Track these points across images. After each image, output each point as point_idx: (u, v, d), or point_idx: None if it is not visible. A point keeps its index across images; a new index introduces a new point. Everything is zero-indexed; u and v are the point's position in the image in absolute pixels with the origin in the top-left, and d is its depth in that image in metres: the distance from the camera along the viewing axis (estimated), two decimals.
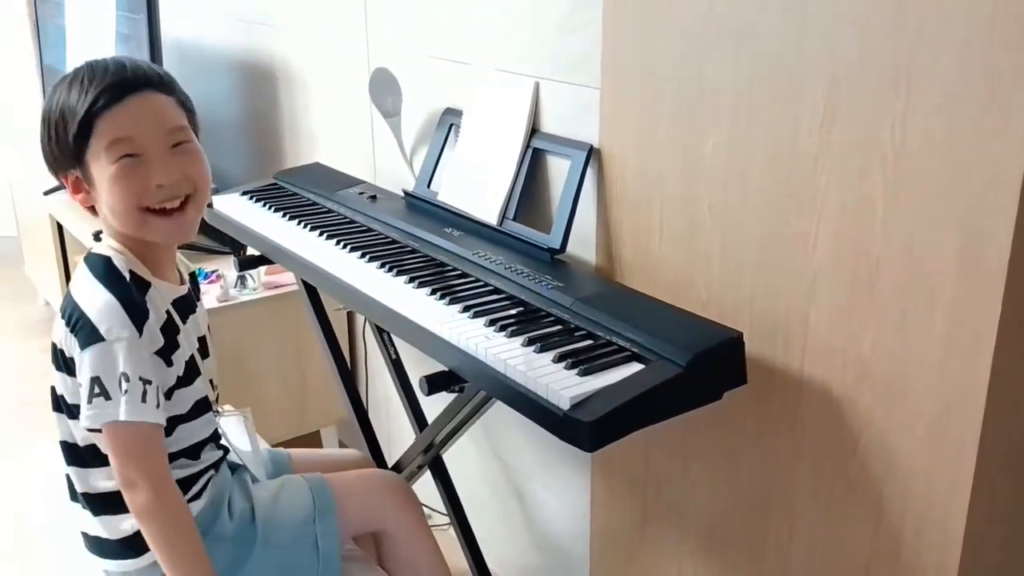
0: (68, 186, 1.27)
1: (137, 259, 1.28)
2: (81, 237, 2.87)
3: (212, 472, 1.39)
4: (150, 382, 1.21)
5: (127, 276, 1.25)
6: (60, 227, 3.16)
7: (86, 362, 1.20)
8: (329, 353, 1.96)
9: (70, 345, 1.23)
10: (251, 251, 2.04)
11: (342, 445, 2.66)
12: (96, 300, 1.21)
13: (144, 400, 1.20)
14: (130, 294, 1.23)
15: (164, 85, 1.26)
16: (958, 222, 1.09)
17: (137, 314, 1.22)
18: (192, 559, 1.24)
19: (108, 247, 1.28)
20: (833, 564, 1.35)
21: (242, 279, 2.39)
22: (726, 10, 1.30)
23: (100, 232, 1.32)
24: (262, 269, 2.37)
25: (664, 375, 1.23)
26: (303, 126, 2.52)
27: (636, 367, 1.26)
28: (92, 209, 1.30)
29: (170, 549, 1.23)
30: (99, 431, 1.23)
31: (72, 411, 1.28)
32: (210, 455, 1.40)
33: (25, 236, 3.67)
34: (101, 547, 1.34)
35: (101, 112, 1.20)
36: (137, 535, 1.28)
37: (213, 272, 2.44)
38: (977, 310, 1.10)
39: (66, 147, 1.23)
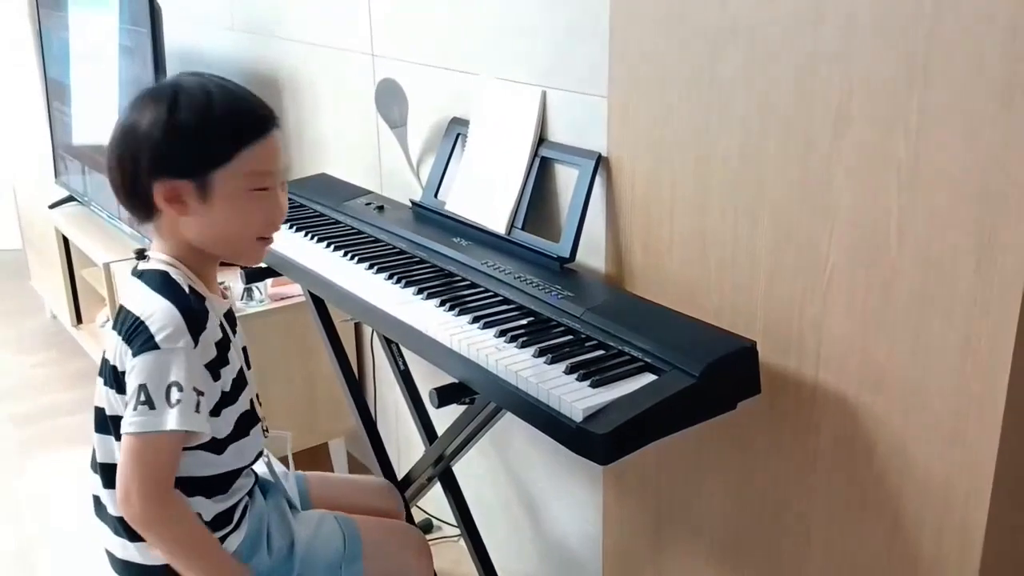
0: (161, 192, 1.22)
1: (193, 275, 1.28)
2: (88, 251, 2.87)
3: (247, 499, 1.38)
4: (202, 393, 1.21)
5: (186, 289, 1.25)
6: (66, 241, 3.16)
7: (136, 368, 1.19)
8: (337, 365, 1.95)
9: (123, 355, 1.21)
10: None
11: (351, 457, 2.65)
12: (156, 308, 1.21)
13: (198, 411, 1.20)
14: (190, 304, 1.23)
15: (279, 123, 1.30)
16: (975, 227, 1.08)
17: (196, 325, 1.22)
18: (195, 563, 1.26)
19: (162, 263, 1.27)
20: (850, 574, 1.33)
21: (248, 291, 2.38)
22: (738, 15, 1.29)
23: (144, 250, 1.31)
24: (268, 281, 2.36)
25: (678, 385, 1.21)
26: (309, 137, 2.51)
27: (649, 377, 1.25)
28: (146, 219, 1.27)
29: (192, 557, 1.26)
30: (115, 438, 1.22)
31: (115, 429, 1.25)
32: (245, 482, 1.38)
33: (31, 249, 3.67)
34: (130, 570, 1.32)
35: (249, 142, 1.23)
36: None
37: (220, 284, 2.43)
38: (995, 316, 1.09)
39: (191, 158, 1.21)
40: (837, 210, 1.22)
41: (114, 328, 1.26)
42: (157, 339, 1.19)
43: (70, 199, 3.26)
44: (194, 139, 1.22)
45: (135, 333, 1.20)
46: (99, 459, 1.31)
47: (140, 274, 1.27)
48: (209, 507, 1.31)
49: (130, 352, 1.20)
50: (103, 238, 2.90)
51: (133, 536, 1.29)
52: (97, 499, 1.34)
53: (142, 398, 1.18)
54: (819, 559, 1.37)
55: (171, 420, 1.18)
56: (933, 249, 1.13)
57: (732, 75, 1.32)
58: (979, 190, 1.07)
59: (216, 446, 1.29)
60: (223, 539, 1.32)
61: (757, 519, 1.46)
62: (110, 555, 1.34)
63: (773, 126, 1.28)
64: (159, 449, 1.20)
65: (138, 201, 1.25)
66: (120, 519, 1.29)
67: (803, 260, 1.28)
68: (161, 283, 1.24)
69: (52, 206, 3.26)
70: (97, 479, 1.33)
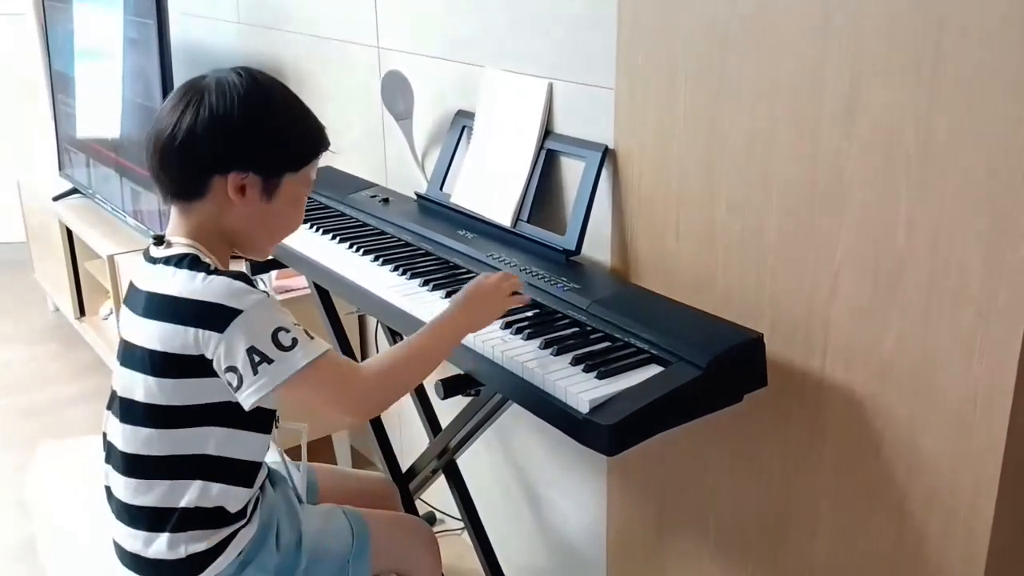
0: (234, 182, 1.23)
1: (215, 259, 1.28)
2: (92, 244, 2.87)
3: (259, 492, 1.37)
4: (298, 324, 1.22)
5: (215, 268, 1.25)
6: (70, 233, 3.16)
7: (233, 341, 1.17)
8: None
9: (195, 342, 1.18)
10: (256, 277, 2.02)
11: (354, 451, 2.65)
12: (210, 286, 1.19)
13: (311, 336, 1.21)
14: (233, 273, 1.23)
15: None
16: (984, 218, 1.08)
17: (250, 283, 1.22)
18: (447, 345, 1.31)
19: (187, 247, 1.26)
20: (856, 567, 1.33)
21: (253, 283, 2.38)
22: (746, 4, 1.28)
23: (162, 236, 1.30)
24: (273, 273, 2.35)
25: (684, 377, 1.21)
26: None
27: (655, 369, 1.25)
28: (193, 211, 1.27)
29: (424, 361, 1.29)
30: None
31: (154, 419, 1.24)
32: (262, 473, 1.37)
33: (34, 242, 3.67)
34: (137, 563, 1.31)
35: (319, 153, 1.32)
36: (192, 558, 1.27)
37: None
38: (1003, 308, 1.08)
39: (275, 158, 1.26)
40: (845, 201, 1.22)
41: (147, 315, 1.23)
42: (233, 306, 1.17)
43: (74, 191, 3.26)
44: (284, 142, 1.27)
45: (206, 315, 1.18)
46: (122, 448, 1.28)
47: (168, 259, 1.25)
48: (243, 497, 1.31)
49: (213, 334, 1.17)
50: (107, 230, 2.90)
51: (144, 527, 1.29)
52: (109, 489, 1.33)
53: (256, 359, 1.17)
54: (824, 552, 1.37)
55: (300, 357, 1.18)
56: (942, 241, 1.12)
57: (740, 66, 1.31)
58: (989, 182, 1.06)
59: (264, 422, 1.29)
60: (234, 534, 1.31)
61: (762, 511, 1.46)
62: (118, 547, 1.34)
63: (781, 118, 1.27)
64: (314, 377, 1.20)
65: (193, 181, 1.25)
66: (129, 508, 1.29)
67: (811, 252, 1.28)
68: (194, 263, 1.23)
69: (56, 198, 3.26)
70: (109, 468, 1.32)
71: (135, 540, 1.30)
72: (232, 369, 1.18)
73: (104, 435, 1.34)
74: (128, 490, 1.29)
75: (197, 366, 1.20)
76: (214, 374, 1.20)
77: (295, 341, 1.18)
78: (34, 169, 3.65)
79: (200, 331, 1.18)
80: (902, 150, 1.14)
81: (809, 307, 1.30)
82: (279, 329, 1.18)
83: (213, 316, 1.18)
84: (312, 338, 1.21)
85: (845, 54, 1.18)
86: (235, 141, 1.23)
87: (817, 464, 1.35)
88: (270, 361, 1.17)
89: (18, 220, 3.76)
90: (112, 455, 1.32)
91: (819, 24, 1.20)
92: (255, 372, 1.17)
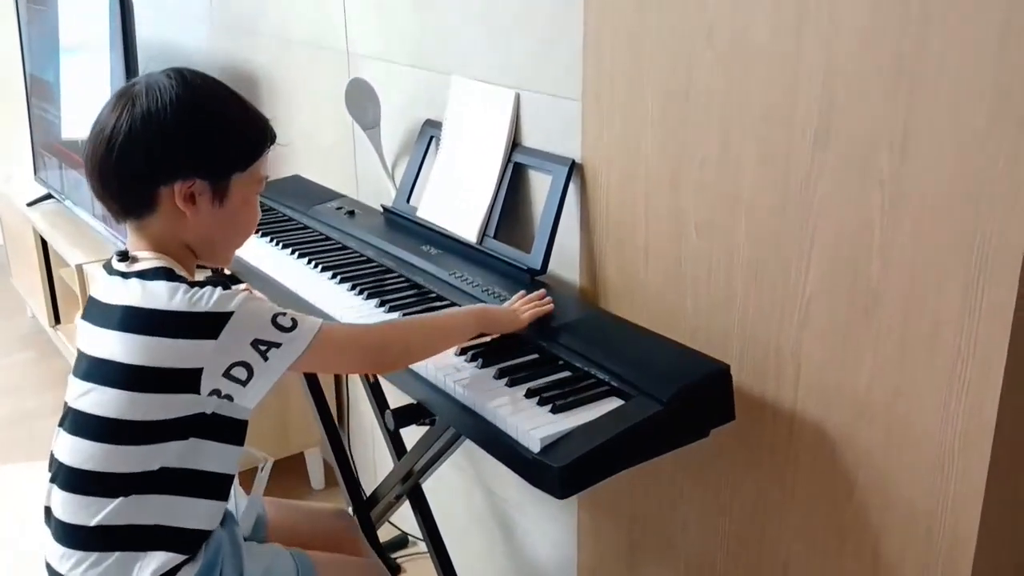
0: (181, 191, 1.19)
1: (184, 271, 1.24)
2: (62, 252, 2.80)
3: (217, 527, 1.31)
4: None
5: (187, 279, 1.22)
6: (44, 241, 3.09)
7: (233, 342, 1.15)
8: (304, 379, 1.87)
9: (186, 353, 1.14)
10: (227, 270, 1.95)
11: (327, 467, 2.57)
12: (193, 297, 1.16)
13: (307, 314, 1.21)
14: (213, 281, 1.20)
15: None
16: (963, 247, 1.00)
17: (228, 285, 1.20)
18: (451, 328, 1.31)
19: (159, 259, 1.22)
20: None
21: None
22: (716, 16, 1.21)
23: (126, 251, 1.24)
24: (239, 287, 2.28)
25: (643, 413, 1.13)
26: (284, 136, 2.42)
27: (615, 403, 1.17)
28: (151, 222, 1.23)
29: (435, 336, 1.29)
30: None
31: (118, 434, 1.18)
32: (233, 490, 1.33)
33: (11, 246, 3.60)
34: None
35: (265, 149, 1.26)
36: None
37: None
38: (984, 342, 1.00)
39: (219, 161, 1.21)
40: (817, 228, 1.14)
41: (123, 329, 1.17)
42: (225, 309, 1.15)
43: (48, 197, 3.19)
44: (225, 143, 1.22)
45: (200, 322, 1.15)
46: (70, 463, 1.21)
47: (140, 274, 1.20)
48: (214, 513, 1.25)
49: (210, 340, 1.14)
50: (78, 238, 2.82)
51: (85, 547, 1.20)
52: (48, 510, 1.25)
53: (263, 347, 1.16)
54: None
55: (306, 331, 1.18)
56: (918, 273, 1.05)
57: (708, 83, 1.23)
58: (967, 209, 0.99)
59: (237, 433, 1.24)
60: (179, 567, 1.23)
61: (733, 549, 1.38)
62: (50, 569, 1.26)
63: (751, 137, 1.20)
64: (324, 344, 1.20)
65: (138, 196, 1.20)
66: (71, 528, 1.21)
67: (781, 280, 1.20)
68: (173, 275, 1.19)
69: (31, 204, 3.19)
70: (53, 487, 1.24)
71: (74, 563, 1.22)
72: (240, 364, 1.16)
73: (51, 453, 1.27)
74: (72, 508, 1.21)
75: (179, 379, 1.15)
76: (194, 390, 1.15)
77: (295, 321, 1.18)
78: (12, 173, 3.58)
79: (190, 341, 1.14)
80: (876, 173, 1.06)
81: (779, 336, 1.22)
82: (276, 315, 1.18)
83: (204, 325, 1.15)
84: (305, 316, 1.21)
85: (818, 73, 1.10)
86: (173, 148, 1.18)
87: (789, 502, 1.27)
88: (278, 345, 1.17)
89: None
90: (59, 473, 1.24)
91: (792, 37, 1.12)
92: (265, 359, 1.17)
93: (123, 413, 1.18)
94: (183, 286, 1.17)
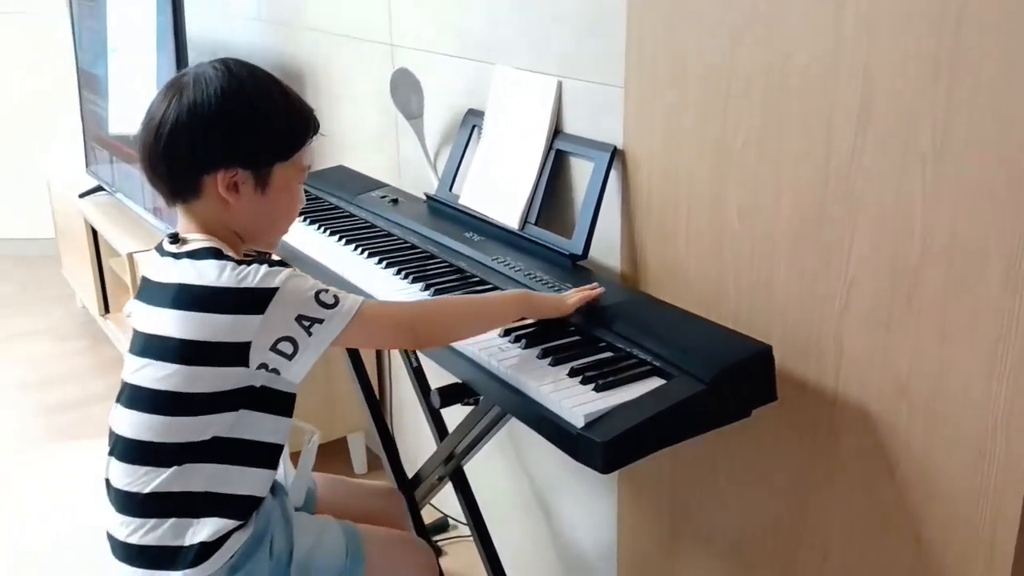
0: (224, 180, 1.23)
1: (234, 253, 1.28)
2: (113, 241, 2.87)
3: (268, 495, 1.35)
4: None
5: (235, 257, 1.25)
6: (95, 231, 3.16)
7: (278, 317, 1.19)
8: (349, 361, 1.91)
9: (234, 328, 1.19)
10: (274, 255, 1.99)
11: (369, 452, 2.61)
12: (240, 273, 1.20)
13: (349, 292, 1.24)
14: (259, 259, 1.24)
15: None
16: (1005, 227, 1.00)
17: (274, 263, 1.24)
18: (492, 309, 1.33)
19: (208, 240, 1.26)
20: None
21: None
22: (757, 3, 1.22)
23: (176, 234, 1.29)
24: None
25: (686, 392, 1.15)
26: (329, 128, 2.47)
27: (657, 382, 1.19)
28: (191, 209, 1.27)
29: (475, 316, 1.32)
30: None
31: (171, 406, 1.23)
32: (284, 460, 1.36)
33: (62, 238, 3.69)
34: (128, 552, 1.28)
35: (307, 139, 1.29)
36: (188, 548, 1.24)
37: None
38: None
39: (261, 151, 1.24)
40: (859, 209, 1.15)
41: (176, 307, 1.22)
42: (270, 285, 1.19)
43: (99, 189, 3.26)
44: (268, 133, 1.25)
45: (246, 300, 1.19)
46: (127, 435, 1.26)
47: (191, 254, 1.24)
48: (262, 481, 1.30)
49: (256, 316, 1.18)
50: (128, 228, 2.89)
51: (143, 515, 1.25)
52: (108, 481, 1.30)
53: (307, 323, 1.20)
54: (836, 571, 1.30)
55: (348, 308, 1.21)
56: (960, 250, 1.05)
57: (750, 66, 1.25)
58: (1010, 186, 0.99)
59: (286, 405, 1.29)
60: (229, 535, 1.27)
61: (773, 530, 1.39)
62: (111, 538, 1.30)
63: (793, 120, 1.21)
64: (366, 321, 1.23)
65: (184, 182, 1.25)
66: (129, 496, 1.25)
67: (823, 262, 1.21)
68: (220, 255, 1.23)
69: (82, 195, 3.26)
70: (112, 459, 1.29)
71: (132, 529, 1.27)
72: (286, 339, 1.20)
73: (110, 428, 1.32)
74: (130, 477, 1.26)
75: (229, 353, 1.20)
76: (243, 363, 1.20)
77: (336, 298, 1.22)
78: (62, 166, 3.66)
79: (238, 316, 1.19)
80: (918, 152, 1.07)
81: (821, 318, 1.23)
82: (319, 291, 1.22)
83: (250, 301, 1.19)
84: (347, 293, 1.24)
85: (859, 52, 1.11)
86: (215, 137, 1.22)
87: (829, 482, 1.28)
88: (321, 321, 1.21)
89: (48, 216, 3.79)
90: (116, 445, 1.29)
91: (832, 21, 1.13)
92: (310, 334, 1.20)
93: (176, 386, 1.22)
94: (230, 263, 1.21)
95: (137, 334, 1.29)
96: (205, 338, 1.20)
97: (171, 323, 1.22)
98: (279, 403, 1.28)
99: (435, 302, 1.37)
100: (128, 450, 1.27)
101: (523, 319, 1.35)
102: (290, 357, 1.21)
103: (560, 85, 1.59)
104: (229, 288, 1.20)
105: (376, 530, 1.47)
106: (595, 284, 1.40)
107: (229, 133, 1.22)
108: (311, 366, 1.24)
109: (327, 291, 1.22)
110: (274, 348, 1.20)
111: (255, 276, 1.20)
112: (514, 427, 1.82)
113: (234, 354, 1.20)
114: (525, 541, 2.06)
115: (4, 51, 4.15)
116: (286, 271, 1.21)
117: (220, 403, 1.23)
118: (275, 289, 1.19)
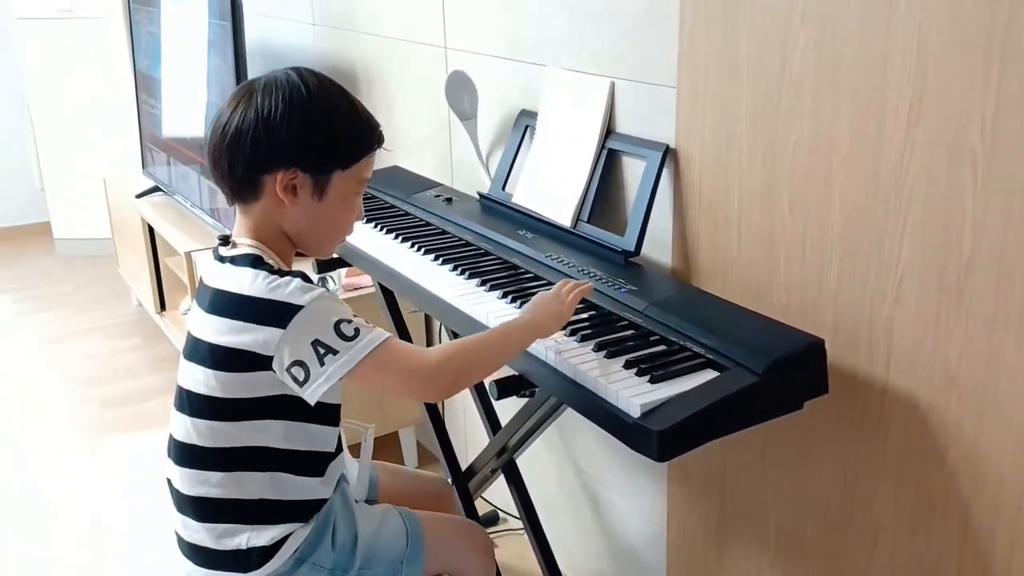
0: (282, 181, 1.26)
1: (278, 258, 1.31)
2: (171, 240, 2.96)
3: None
4: (357, 316, 1.24)
5: (278, 268, 1.28)
6: (151, 230, 3.26)
7: (297, 336, 1.20)
8: None
9: (258, 338, 1.21)
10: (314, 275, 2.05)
11: (420, 447, 2.67)
12: (271, 285, 1.22)
13: (372, 326, 1.23)
14: (293, 273, 1.26)
15: None
16: None
17: (309, 281, 1.25)
18: (512, 341, 1.31)
19: (250, 247, 1.29)
20: None
21: (323, 280, 2.41)
22: (809, 3, 1.25)
23: (228, 236, 1.34)
24: (342, 271, 2.39)
25: (740, 383, 1.18)
26: (386, 132, 2.53)
27: (711, 374, 1.22)
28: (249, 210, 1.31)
29: (487, 352, 1.29)
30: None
31: (214, 411, 1.27)
32: (336, 468, 1.39)
33: (119, 237, 3.79)
34: (196, 553, 1.34)
35: (370, 151, 1.32)
36: (252, 551, 1.30)
37: None
38: None
39: (321, 156, 1.27)
40: (909, 205, 1.18)
41: (212, 311, 1.26)
42: (295, 302, 1.20)
43: (156, 189, 3.36)
44: (330, 140, 1.27)
45: (269, 312, 1.21)
46: (180, 439, 1.32)
47: (234, 259, 1.29)
48: (316, 489, 1.34)
49: (276, 331, 1.20)
50: (186, 227, 2.98)
51: (201, 518, 1.32)
52: (169, 481, 1.37)
53: (321, 351, 1.19)
54: (886, 560, 1.33)
55: (364, 345, 1.20)
56: (1008, 248, 1.08)
57: (802, 65, 1.28)
58: None
59: (328, 415, 1.31)
60: (293, 531, 1.32)
61: (823, 519, 1.42)
62: (178, 537, 1.37)
63: (844, 118, 1.24)
64: (379, 363, 1.21)
65: (244, 182, 1.28)
66: (187, 499, 1.32)
67: (874, 257, 1.24)
68: (260, 263, 1.26)
69: (139, 196, 3.36)
70: (170, 461, 1.35)
71: (193, 531, 1.33)
72: (298, 363, 1.20)
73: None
74: (185, 481, 1.32)
75: (257, 361, 1.22)
76: (268, 368, 1.22)
77: (357, 331, 1.21)
78: (119, 167, 3.77)
79: (263, 328, 1.21)
80: (968, 149, 1.09)
81: (872, 314, 1.26)
82: (340, 321, 1.21)
83: (275, 313, 1.21)
84: (372, 327, 1.23)
85: (909, 51, 1.14)
86: (278, 139, 1.25)
87: (878, 473, 1.31)
88: (335, 352, 1.20)
89: (104, 216, 3.90)
90: (171, 447, 1.35)
91: (883, 18, 1.16)
92: (322, 363, 1.20)
93: (213, 390, 1.26)
94: (263, 272, 1.24)
95: (188, 337, 1.33)
96: (233, 344, 1.23)
97: (208, 327, 1.27)
98: (321, 413, 1.30)
99: (455, 349, 1.28)
100: (180, 453, 1.33)
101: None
102: (301, 384, 1.21)
103: (613, 86, 1.63)
104: (258, 298, 1.22)
105: (434, 515, 1.52)
106: (583, 281, 1.43)
107: (292, 135, 1.25)
108: (321, 395, 1.22)
109: (350, 322, 1.21)
110: (288, 371, 1.21)
111: (285, 289, 1.21)
112: (563, 422, 1.85)
113: (259, 362, 1.22)
114: (574, 533, 2.10)
115: (61, 53, 4.25)
116: (317, 291, 1.22)
117: (256, 410, 1.26)
118: (300, 307, 1.20)
